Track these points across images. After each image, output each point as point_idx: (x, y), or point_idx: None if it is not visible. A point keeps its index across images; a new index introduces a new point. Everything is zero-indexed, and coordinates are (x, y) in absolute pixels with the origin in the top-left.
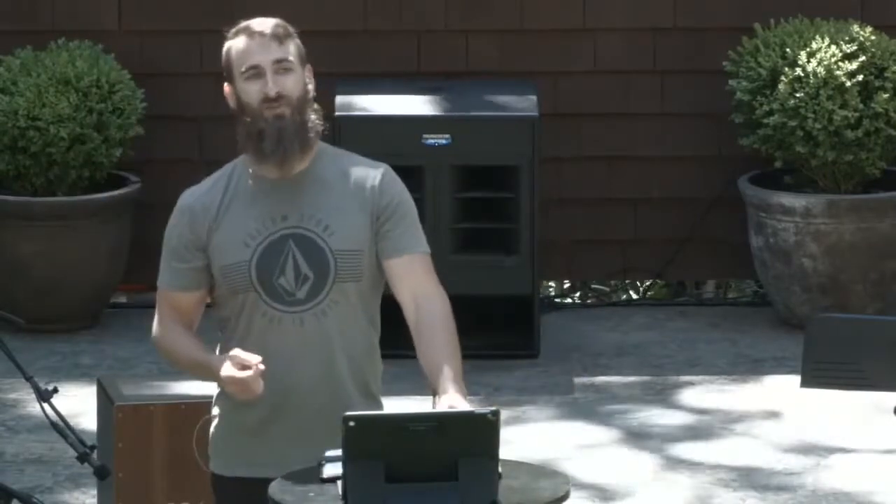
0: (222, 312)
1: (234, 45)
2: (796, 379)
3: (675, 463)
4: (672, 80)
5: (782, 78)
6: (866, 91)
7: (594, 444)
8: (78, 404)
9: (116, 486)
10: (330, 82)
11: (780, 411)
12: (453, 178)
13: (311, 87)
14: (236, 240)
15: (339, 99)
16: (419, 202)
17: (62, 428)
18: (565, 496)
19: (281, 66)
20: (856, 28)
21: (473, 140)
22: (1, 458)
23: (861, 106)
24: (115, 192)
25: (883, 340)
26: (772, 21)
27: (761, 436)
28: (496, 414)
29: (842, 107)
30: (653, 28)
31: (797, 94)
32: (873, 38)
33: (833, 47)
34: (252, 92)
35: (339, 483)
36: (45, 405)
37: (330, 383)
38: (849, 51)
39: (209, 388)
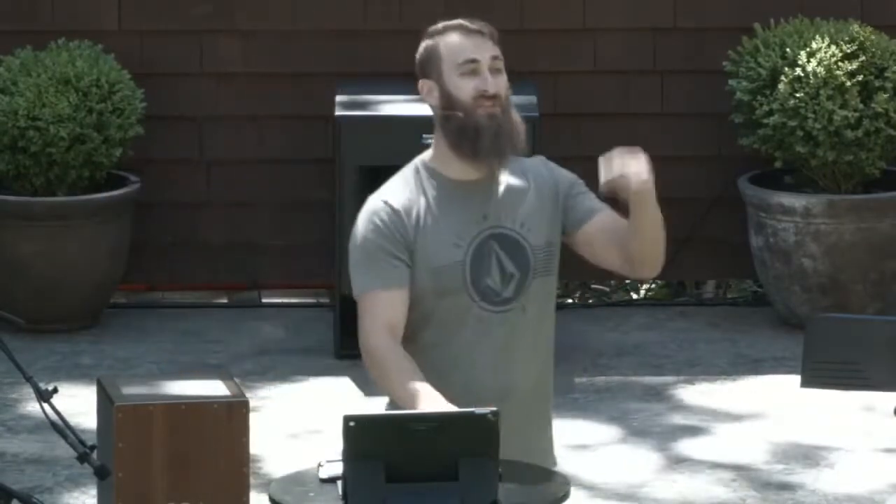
0: (414, 315)
1: (445, 40)
2: (796, 379)
3: (675, 463)
4: (672, 80)
5: (782, 78)
6: (866, 91)
7: (594, 444)
8: (78, 404)
9: (116, 486)
10: (330, 82)
11: (780, 411)
12: None
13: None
14: (445, 241)
15: (339, 99)
16: None
17: (62, 428)
18: (565, 496)
19: (495, 64)
20: (856, 28)
21: None
22: (1, 458)
23: (861, 106)
24: (115, 192)
25: (883, 340)
26: (772, 21)
27: (762, 436)
28: (496, 414)
29: (842, 107)
30: (653, 28)
31: (797, 94)
32: (873, 38)
33: (833, 47)
34: (467, 87)
35: (339, 483)
36: (45, 405)
37: (535, 379)
38: (849, 51)
39: (209, 389)
